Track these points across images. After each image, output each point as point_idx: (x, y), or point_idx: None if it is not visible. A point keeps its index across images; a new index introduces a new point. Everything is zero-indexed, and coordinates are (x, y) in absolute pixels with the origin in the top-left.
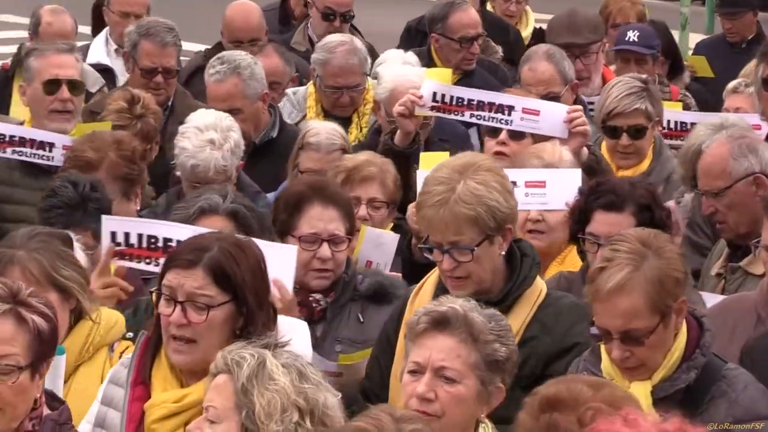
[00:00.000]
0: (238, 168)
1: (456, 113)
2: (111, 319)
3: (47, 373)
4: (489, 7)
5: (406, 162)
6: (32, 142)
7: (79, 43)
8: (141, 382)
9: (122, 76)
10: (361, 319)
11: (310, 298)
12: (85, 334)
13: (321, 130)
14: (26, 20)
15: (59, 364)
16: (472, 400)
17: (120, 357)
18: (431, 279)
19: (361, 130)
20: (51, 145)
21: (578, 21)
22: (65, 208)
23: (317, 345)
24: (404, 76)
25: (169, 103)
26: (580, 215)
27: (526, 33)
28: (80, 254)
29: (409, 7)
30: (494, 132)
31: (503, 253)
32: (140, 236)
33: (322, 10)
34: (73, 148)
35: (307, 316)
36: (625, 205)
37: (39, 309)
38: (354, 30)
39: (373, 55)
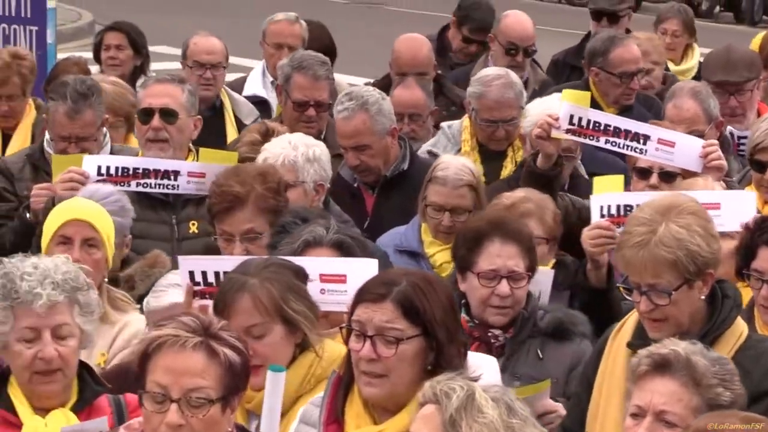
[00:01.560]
0: (318, 187)
1: (591, 138)
2: (334, 351)
3: (265, 391)
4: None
5: (548, 185)
6: (156, 173)
7: (235, 75)
8: (334, 421)
9: (276, 108)
10: (541, 356)
11: (489, 334)
12: (307, 366)
13: (450, 164)
14: (180, 51)
15: (278, 381)
16: None
17: None
18: (633, 318)
19: (515, 164)
20: (176, 173)
21: (734, 59)
22: None
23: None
24: (549, 110)
25: (322, 137)
26: (745, 251)
27: (686, 66)
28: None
29: (552, 37)
30: (644, 174)
31: (703, 297)
32: (217, 274)
33: (505, 45)
34: (217, 183)
35: (485, 352)
36: None
37: (230, 342)
38: (535, 64)
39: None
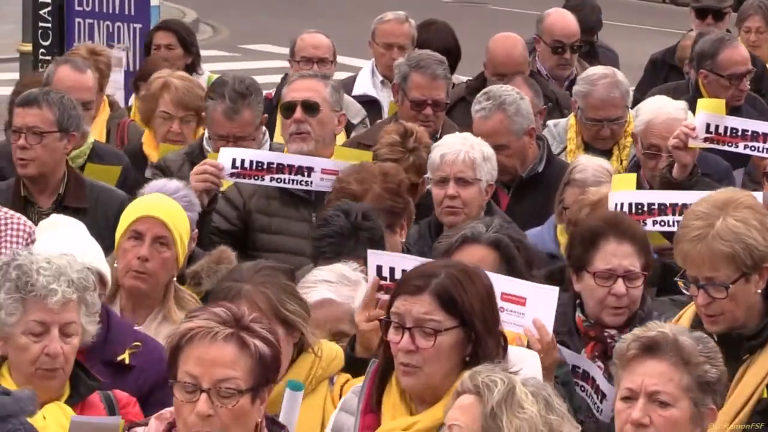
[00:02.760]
0: (487, 188)
1: (730, 144)
2: (331, 351)
3: (282, 408)
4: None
5: None
6: (290, 168)
7: (344, 74)
8: (371, 411)
9: (387, 108)
10: None
11: (605, 334)
12: (308, 367)
13: (588, 166)
14: (285, 50)
15: (296, 399)
16: (686, 423)
17: (340, 390)
18: (689, 311)
19: (621, 163)
20: (310, 170)
21: None
22: (336, 237)
23: (610, 381)
24: (661, 108)
25: (437, 136)
26: None
27: None
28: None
29: (653, 38)
30: None
31: (760, 291)
32: (404, 272)
33: (551, 44)
34: (339, 179)
35: (600, 352)
36: None
37: (261, 334)
38: (582, 60)
39: None
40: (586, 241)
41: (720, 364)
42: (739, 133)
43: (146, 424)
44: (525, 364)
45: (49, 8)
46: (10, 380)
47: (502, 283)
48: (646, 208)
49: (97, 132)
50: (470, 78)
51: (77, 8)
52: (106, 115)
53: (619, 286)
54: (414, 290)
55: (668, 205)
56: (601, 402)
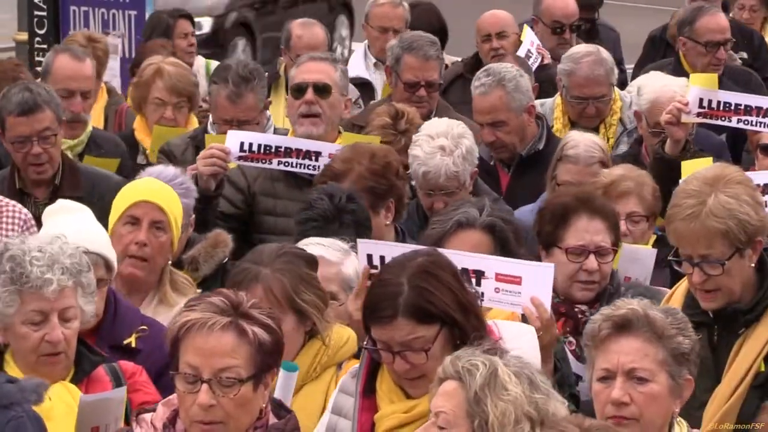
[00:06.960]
0: (472, 175)
1: (723, 119)
2: (342, 337)
3: (276, 389)
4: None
5: (678, 171)
6: (298, 152)
7: None
8: (368, 393)
9: (380, 90)
10: None
11: (575, 310)
12: (314, 354)
13: (580, 142)
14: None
15: (291, 380)
16: (665, 397)
17: None
18: (681, 288)
19: (608, 141)
20: (317, 154)
21: None
22: (320, 221)
23: (581, 357)
24: (666, 86)
25: (432, 116)
26: None
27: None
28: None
29: (655, 16)
30: None
31: (753, 264)
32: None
33: (551, 25)
34: (330, 158)
35: (571, 328)
36: None
37: (260, 320)
38: (580, 39)
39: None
40: (557, 218)
41: (691, 333)
42: (732, 108)
43: (154, 410)
44: (522, 339)
45: None
46: (15, 367)
47: (496, 265)
48: (733, 107)
49: (95, 119)
50: (465, 58)
51: None
52: (104, 101)
53: (591, 261)
54: (386, 320)
55: (753, 107)
56: (577, 384)
